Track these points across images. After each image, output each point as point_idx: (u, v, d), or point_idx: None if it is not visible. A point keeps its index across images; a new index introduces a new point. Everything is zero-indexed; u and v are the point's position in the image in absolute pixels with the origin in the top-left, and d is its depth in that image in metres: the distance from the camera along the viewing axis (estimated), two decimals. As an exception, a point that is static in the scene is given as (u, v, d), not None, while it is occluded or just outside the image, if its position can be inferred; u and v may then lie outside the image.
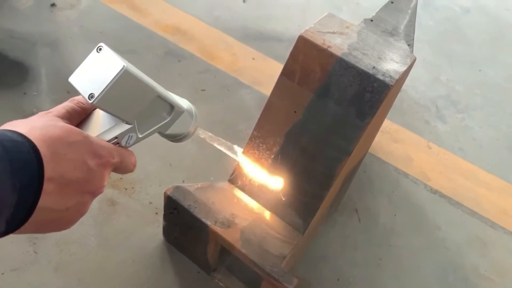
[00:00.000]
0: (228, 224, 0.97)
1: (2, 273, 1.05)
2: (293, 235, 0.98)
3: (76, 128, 0.47)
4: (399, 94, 1.67)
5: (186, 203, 0.98)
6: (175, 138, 0.64)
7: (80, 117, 0.53)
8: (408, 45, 0.95)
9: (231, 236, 0.95)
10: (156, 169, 1.31)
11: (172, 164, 1.33)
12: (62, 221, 0.47)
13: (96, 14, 1.75)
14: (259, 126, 0.97)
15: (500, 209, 1.39)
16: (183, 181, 1.29)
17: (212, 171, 1.32)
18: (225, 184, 1.05)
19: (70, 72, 0.50)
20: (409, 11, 1.04)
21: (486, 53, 1.98)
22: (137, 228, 1.18)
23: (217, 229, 0.95)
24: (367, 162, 1.44)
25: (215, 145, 0.75)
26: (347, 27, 0.94)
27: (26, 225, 0.42)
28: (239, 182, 1.03)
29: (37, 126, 0.44)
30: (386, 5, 1.05)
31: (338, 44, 0.89)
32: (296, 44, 0.90)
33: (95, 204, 1.20)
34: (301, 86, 0.92)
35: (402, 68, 0.87)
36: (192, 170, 1.33)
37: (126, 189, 1.25)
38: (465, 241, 1.30)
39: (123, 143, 0.54)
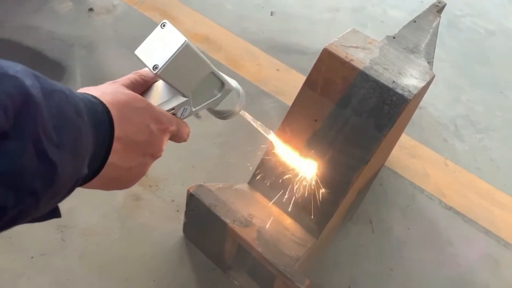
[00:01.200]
0: (246, 223, 1.01)
1: (32, 257, 1.11)
2: (308, 239, 1.02)
3: (140, 96, 0.52)
4: (419, 111, 1.71)
5: (207, 201, 1.04)
6: (223, 115, 0.68)
7: (142, 88, 0.57)
8: (428, 62, 0.99)
9: (248, 235, 0.99)
10: (180, 169, 1.37)
11: (194, 165, 1.39)
12: (125, 179, 0.52)
13: (130, 20, 1.84)
14: (281, 131, 1.02)
15: (515, 230, 1.41)
16: (204, 182, 1.33)
17: (232, 174, 1.37)
18: (245, 186, 1.10)
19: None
20: (431, 30, 1.08)
21: (508, 76, 1.99)
22: (159, 224, 1.23)
23: (235, 227, 1.00)
24: (383, 175, 1.47)
25: (258, 128, 0.80)
26: (370, 43, 0.99)
27: (96, 178, 0.46)
28: (264, 180, 1.07)
29: (108, 92, 0.48)
30: (408, 24, 1.10)
31: (360, 58, 0.94)
32: (320, 56, 0.96)
33: (120, 198, 1.26)
34: (323, 96, 0.97)
35: (421, 84, 0.92)
36: (213, 173, 1.38)
37: (150, 186, 1.31)
38: (477, 258, 1.32)
39: (178, 114, 0.58)
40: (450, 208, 1.43)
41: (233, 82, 0.66)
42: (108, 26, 1.81)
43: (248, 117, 0.75)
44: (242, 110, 0.69)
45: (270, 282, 1.01)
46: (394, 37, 1.03)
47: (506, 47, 2.16)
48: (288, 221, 1.05)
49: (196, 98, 0.60)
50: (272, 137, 0.84)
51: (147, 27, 0.67)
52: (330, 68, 0.95)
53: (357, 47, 0.97)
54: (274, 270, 0.96)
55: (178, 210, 1.25)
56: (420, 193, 1.45)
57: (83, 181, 0.45)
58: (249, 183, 1.10)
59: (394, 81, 0.90)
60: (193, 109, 0.60)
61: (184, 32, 0.58)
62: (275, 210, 1.06)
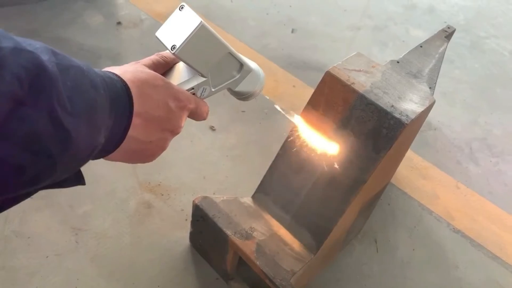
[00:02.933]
0: (246, 236, 1.05)
1: (47, 256, 1.19)
2: (306, 255, 1.05)
3: (159, 75, 0.54)
4: (434, 132, 1.71)
5: (211, 212, 1.08)
6: (242, 96, 0.69)
7: (163, 68, 0.60)
8: (430, 88, 1.00)
9: (247, 248, 1.03)
10: (191, 180, 1.42)
11: (206, 177, 1.44)
12: (146, 152, 0.55)
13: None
14: (284, 147, 1.06)
15: (524, 257, 1.39)
16: (214, 193, 1.39)
17: (241, 186, 1.41)
18: (249, 200, 1.14)
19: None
20: (437, 56, 1.10)
21: (530, 99, 1.96)
22: (168, 232, 1.29)
23: (236, 239, 1.04)
24: (392, 195, 1.48)
25: (278, 108, 0.82)
26: (373, 67, 1.02)
27: (118, 151, 0.50)
28: (267, 195, 1.11)
29: (129, 70, 0.51)
30: (415, 48, 1.12)
31: (361, 82, 0.97)
32: (323, 78, 0.99)
33: (133, 204, 1.33)
34: (324, 116, 1.00)
35: (420, 109, 0.94)
36: (223, 184, 1.43)
37: (162, 195, 1.37)
38: (482, 284, 1.31)
39: (198, 94, 0.61)
40: (458, 232, 1.42)
41: (252, 64, 0.67)
42: (134, 40, 1.90)
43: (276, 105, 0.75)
44: (276, 106, 0.71)
45: (268, 294, 1.05)
46: (398, 62, 1.05)
47: (530, 70, 2.13)
48: (288, 236, 1.08)
49: (215, 79, 0.61)
50: (297, 119, 0.86)
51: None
52: (332, 90, 0.98)
53: (359, 71, 1.00)
54: (270, 283, 1.00)
55: (186, 219, 1.30)
56: (428, 214, 1.45)
57: (105, 153, 0.49)
58: (253, 197, 1.14)
59: (392, 105, 0.93)
60: (213, 90, 0.62)
61: None
62: (276, 224, 1.09)
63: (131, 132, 0.49)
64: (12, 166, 0.35)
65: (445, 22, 2.34)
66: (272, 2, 2.25)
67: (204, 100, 0.61)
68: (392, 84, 0.99)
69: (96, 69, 0.46)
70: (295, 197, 1.07)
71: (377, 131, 0.93)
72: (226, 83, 0.64)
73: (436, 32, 1.20)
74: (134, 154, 0.54)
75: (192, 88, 0.60)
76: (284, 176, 1.09)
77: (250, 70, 0.66)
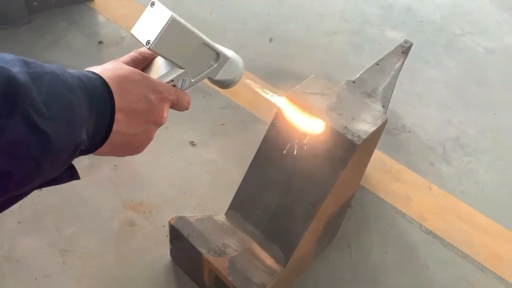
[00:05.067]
0: (219, 253, 1.12)
1: (36, 279, 1.26)
2: (276, 268, 1.11)
3: (138, 70, 0.57)
4: (408, 134, 1.77)
5: (186, 232, 1.15)
6: (223, 84, 0.72)
7: (142, 64, 0.63)
8: (383, 106, 1.06)
9: (220, 264, 1.10)
10: (173, 196, 1.49)
11: (186, 192, 1.51)
12: (133, 145, 0.58)
13: (136, 51, 1.98)
14: (249, 172, 1.12)
15: (493, 254, 1.45)
16: (194, 208, 1.46)
17: (221, 200, 1.47)
18: (222, 217, 1.20)
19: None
20: (392, 72, 1.15)
21: (503, 96, 2.01)
22: (150, 248, 1.35)
23: (209, 257, 1.11)
24: (367, 200, 1.55)
25: (260, 92, 0.86)
26: (329, 88, 1.08)
27: (106, 145, 0.53)
28: (238, 213, 1.18)
29: (108, 68, 0.54)
30: (371, 67, 1.17)
31: (317, 105, 1.03)
32: (283, 103, 1.05)
33: (116, 224, 1.39)
34: (286, 139, 1.06)
35: (372, 129, 1.00)
36: (203, 199, 1.49)
37: (144, 212, 1.44)
38: (452, 282, 1.37)
39: (178, 85, 0.63)
40: (430, 232, 1.48)
41: (229, 52, 0.69)
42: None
43: (253, 85, 0.79)
44: (247, 79, 0.73)
45: (242, 306, 1.11)
46: (354, 81, 1.11)
47: (504, 65, 2.18)
48: (259, 251, 1.14)
49: (193, 69, 0.64)
50: (281, 101, 0.91)
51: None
52: (292, 114, 1.04)
53: (316, 94, 1.06)
54: (242, 297, 1.07)
55: (167, 236, 1.37)
56: (401, 217, 1.52)
57: (94, 148, 0.53)
58: (226, 214, 1.21)
59: (346, 127, 0.99)
60: (192, 80, 0.65)
61: None
62: (248, 240, 1.16)
63: (115, 127, 0.53)
64: None
65: (422, 21, 2.39)
66: (250, 12, 2.30)
67: (185, 91, 0.64)
68: (347, 105, 1.05)
69: (73, 70, 0.49)
70: (264, 213, 1.13)
71: (333, 152, 1.00)
72: (204, 72, 0.66)
73: (393, 48, 1.26)
74: (122, 147, 0.57)
75: (172, 80, 0.62)
76: (253, 193, 1.15)
77: (227, 58, 0.68)
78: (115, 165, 1.55)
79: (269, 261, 1.13)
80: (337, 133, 0.98)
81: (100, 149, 0.54)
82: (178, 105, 0.63)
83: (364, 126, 1.00)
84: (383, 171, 1.65)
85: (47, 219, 1.38)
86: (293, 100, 1.03)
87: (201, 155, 1.62)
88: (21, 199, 0.48)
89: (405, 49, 1.24)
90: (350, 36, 2.25)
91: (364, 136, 0.98)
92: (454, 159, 1.73)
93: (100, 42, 2.01)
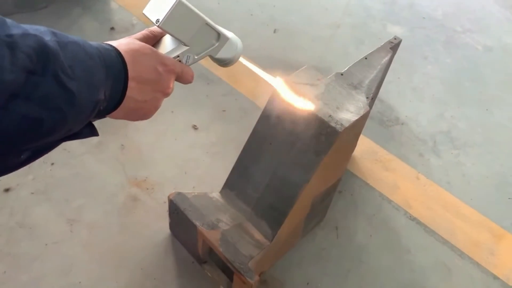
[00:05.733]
0: (213, 226, 1.22)
1: (46, 244, 1.38)
2: (263, 242, 1.22)
3: (148, 45, 0.67)
4: (401, 126, 1.86)
5: (182, 206, 1.26)
6: (223, 62, 0.81)
7: (152, 41, 0.72)
8: (367, 97, 1.15)
9: (213, 236, 1.20)
10: (174, 175, 1.60)
11: (187, 172, 1.61)
12: (143, 110, 0.68)
13: (146, 38, 2.08)
14: (243, 154, 1.22)
15: (473, 241, 1.54)
16: (194, 187, 1.57)
17: (218, 180, 1.56)
18: (217, 195, 1.31)
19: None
20: (379, 67, 1.24)
21: (497, 93, 2.08)
22: (151, 222, 1.46)
23: (203, 229, 1.21)
24: (355, 186, 1.64)
25: (256, 71, 0.96)
26: (318, 80, 1.17)
27: (120, 109, 0.63)
28: (232, 191, 1.28)
29: (123, 43, 0.64)
30: (360, 61, 1.26)
31: (306, 94, 1.12)
32: (274, 91, 1.15)
33: (121, 198, 1.51)
34: (276, 125, 1.16)
35: (354, 118, 1.09)
36: (202, 179, 1.60)
37: (147, 189, 1.55)
38: (431, 265, 1.47)
39: (183, 61, 0.72)
40: (414, 219, 1.58)
41: (229, 34, 0.78)
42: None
43: (249, 65, 0.87)
44: (242, 58, 0.82)
45: (232, 276, 1.22)
46: (342, 74, 1.20)
47: (501, 63, 2.24)
48: (249, 226, 1.25)
49: (196, 47, 0.73)
50: (277, 81, 1.02)
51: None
52: (282, 101, 1.14)
53: (306, 84, 1.15)
54: (231, 267, 1.17)
55: (167, 211, 1.48)
56: (387, 203, 1.61)
57: (110, 110, 0.62)
58: (220, 192, 1.31)
59: (330, 115, 1.08)
60: (196, 57, 0.74)
61: None
62: (239, 216, 1.26)
63: (128, 93, 0.62)
64: (33, 120, 0.49)
65: (424, 18, 2.45)
66: (257, 3, 2.38)
67: (189, 66, 0.73)
68: (333, 95, 1.14)
69: (93, 42, 0.59)
70: (254, 192, 1.23)
71: (317, 137, 1.09)
72: (207, 50, 0.75)
73: (383, 44, 1.34)
74: (133, 112, 0.66)
75: (178, 56, 0.71)
76: (245, 174, 1.25)
77: (227, 38, 0.77)
78: (122, 145, 1.66)
79: (258, 236, 1.23)
80: (322, 120, 1.08)
81: (115, 113, 0.64)
82: (182, 78, 0.72)
83: (347, 115, 1.10)
84: (373, 160, 1.74)
85: (57, 191, 1.50)
86: (283, 88, 1.12)
87: (202, 138, 1.73)
88: (48, 152, 0.59)
89: (393, 45, 1.32)
90: (352, 30, 2.32)
91: (347, 124, 1.07)
92: (443, 152, 1.81)
93: (112, 28, 2.11)
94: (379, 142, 1.80)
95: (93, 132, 0.63)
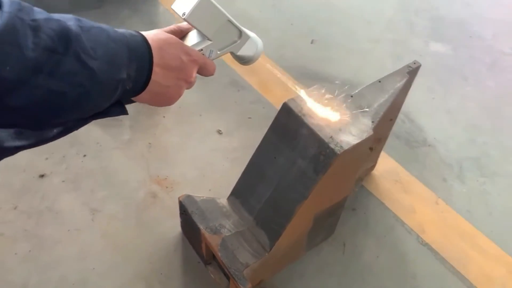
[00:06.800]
0: (215, 231, 1.29)
1: (68, 230, 1.50)
2: (260, 252, 1.26)
3: (175, 36, 0.72)
4: (427, 148, 1.82)
5: (190, 208, 1.33)
6: (243, 60, 0.87)
7: (179, 35, 0.79)
8: (372, 121, 1.16)
9: (214, 241, 1.26)
10: (193, 177, 1.67)
11: (205, 175, 1.68)
12: (166, 95, 0.73)
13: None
14: (249, 165, 1.27)
15: (486, 275, 1.49)
16: (210, 190, 1.64)
17: (233, 186, 1.64)
18: (224, 201, 1.37)
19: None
20: (391, 91, 1.24)
21: (539, 122, 1.98)
22: (166, 219, 1.55)
23: (206, 233, 1.28)
24: (370, 205, 1.64)
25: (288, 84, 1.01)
26: (326, 100, 1.19)
27: (146, 92, 0.68)
28: (237, 199, 1.34)
29: (151, 32, 0.70)
30: (373, 83, 1.26)
31: (311, 114, 1.15)
32: (282, 107, 1.18)
33: (141, 194, 1.60)
34: (281, 141, 1.20)
35: (355, 141, 1.10)
36: (219, 182, 1.66)
37: (167, 187, 1.64)
38: (436, 294, 1.44)
39: (206, 55, 0.79)
40: (426, 244, 1.55)
41: (251, 33, 0.84)
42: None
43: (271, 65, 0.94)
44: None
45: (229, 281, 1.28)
46: (352, 96, 1.21)
47: (549, 90, 2.13)
48: (249, 235, 1.29)
49: (219, 42, 0.79)
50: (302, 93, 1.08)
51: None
52: (288, 119, 1.17)
53: (313, 102, 1.18)
54: (227, 271, 1.23)
55: (181, 210, 1.56)
56: (400, 226, 1.59)
57: (137, 92, 0.68)
58: (228, 199, 1.37)
59: (331, 136, 1.10)
60: (218, 52, 0.80)
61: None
62: (242, 224, 1.31)
63: (153, 77, 0.68)
64: (56, 93, 0.55)
65: (471, 36, 2.37)
66: (298, 13, 2.41)
67: (212, 61, 0.79)
68: (339, 116, 1.16)
69: (121, 30, 0.65)
70: (257, 202, 1.28)
71: (317, 157, 1.12)
72: (229, 47, 0.82)
73: (401, 67, 1.33)
74: (158, 97, 0.72)
75: (201, 50, 0.78)
76: (250, 184, 1.30)
77: (248, 37, 0.83)
78: (149, 143, 1.76)
79: (257, 245, 1.27)
80: (322, 141, 1.10)
81: (142, 95, 0.69)
82: (205, 70, 0.78)
83: (349, 138, 1.11)
84: (393, 181, 1.72)
85: (85, 181, 1.63)
86: (290, 105, 1.16)
87: (224, 143, 1.79)
88: (79, 127, 0.67)
89: (411, 70, 1.31)
90: (392, 45, 2.29)
91: (346, 147, 1.09)
92: (469, 179, 1.76)
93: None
94: (402, 162, 1.78)
95: (123, 111, 0.69)
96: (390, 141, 1.83)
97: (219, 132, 1.83)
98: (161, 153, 1.74)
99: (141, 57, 0.66)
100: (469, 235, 1.59)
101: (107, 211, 1.56)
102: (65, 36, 0.55)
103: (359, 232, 1.57)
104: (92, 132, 1.76)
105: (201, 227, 1.29)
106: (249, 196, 1.30)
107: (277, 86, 2.02)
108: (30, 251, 1.44)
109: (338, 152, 1.08)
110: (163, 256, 1.46)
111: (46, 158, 1.67)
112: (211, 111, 1.89)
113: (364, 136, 1.13)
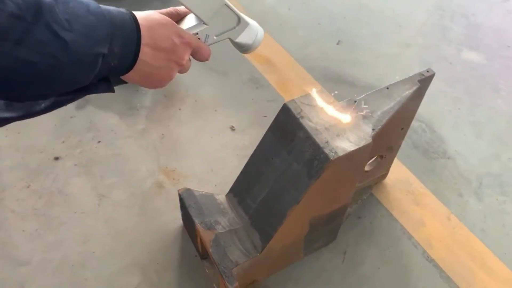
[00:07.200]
0: (209, 227, 1.29)
1: (75, 212, 1.55)
2: (252, 252, 1.25)
3: (169, 18, 0.71)
4: (446, 161, 1.75)
5: (187, 202, 1.33)
6: (242, 48, 0.85)
7: (176, 18, 0.78)
8: (373, 129, 1.12)
9: (206, 236, 1.27)
10: (201, 171, 1.68)
11: (213, 170, 1.69)
12: (157, 77, 0.72)
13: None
14: (248, 163, 1.26)
15: (492, 298, 1.41)
16: (216, 185, 1.64)
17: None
18: (222, 197, 1.37)
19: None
20: (398, 99, 1.19)
21: None
22: (169, 210, 1.57)
23: (200, 227, 1.28)
24: (377, 214, 1.59)
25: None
26: (329, 104, 1.16)
27: (134, 71, 0.68)
28: (235, 197, 1.33)
29: (145, 12, 0.69)
30: (380, 89, 1.22)
31: (310, 117, 1.12)
32: (281, 108, 1.17)
33: (148, 184, 1.63)
34: (278, 142, 1.18)
35: (351, 148, 1.07)
36: (225, 179, 1.66)
37: (174, 179, 1.66)
38: (436, 313, 1.38)
39: (202, 39, 0.77)
40: (431, 261, 1.49)
41: (251, 21, 0.82)
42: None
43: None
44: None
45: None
46: (355, 101, 1.18)
47: None
48: (243, 234, 1.28)
49: (216, 27, 0.78)
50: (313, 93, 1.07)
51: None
52: (286, 120, 1.15)
53: (314, 106, 1.15)
54: (217, 269, 1.23)
55: (184, 203, 1.57)
56: (407, 239, 1.53)
57: (124, 70, 0.68)
58: (226, 195, 1.37)
59: (327, 142, 1.08)
60: (215, 37, 0.79)
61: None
62: (237, 222, 1.31)
63: (141, 56, 0.67)
64: (24, 62, 0.54)
65: (509, 46, 2.24)
66: (327, 13, 2.37)
67: (207, 45, 0.79)
68: (338, 121, 1.12)
69: (109, 6, 0.65)
70: (252, 202, 1.27)
71: (311, 161, 1.09)
72: (226, 32, 0.80)
73: (413, 74, 1.28)
74: (148, 77, 0.71)
75: (197, 33, 0.76)
76: (248, 183, 1.29)
77: (247, 24, 0.81)
78: (162, 134, 1.78)
79: (249, 244, 1.26)
80: (317, 145, 1.07)
81: (131, 74, 0.69)
82: (198, 54, 0.77)
83: (345, 144, 1.08)
84: (405, 191, 1.66)
85: (97, 167, 1.67)
86: (289, 107, 1.14)
87: (236, 140, 1.79)
88: (67, 103, 0.68)
89: (423, 78, 1.26)
90: (422, 51, 2.20)
91: (341, 153, 1.06)
92: (487, 196, 1.67)
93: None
94: (417, 173, 1.71)
95: (109, 87, 0.70)
96: (406, 150, 1.77)
97: (232, 128, 1.82)
98: (173, 145, 1.76)
99: (127, 35, 0.65)
100: (479, 255, 1.51)
101: (114, 197, 1.59)
102: (35, 5, 0.54)
103: (362, 241, 1.52)
104: (109, 120, 1.80)
105: (196, 221, 1.29)
106: (246, 195, 1.29)
107: (296, 86, 1.99)
108: (37, 229, 1.49)
109: (332, 158, 1.05)
110: (162, 246, 1.48)
111: (63, 142, 1.73)
112: (227, 106, 1.89)
113: (362, 143, 1.09)
